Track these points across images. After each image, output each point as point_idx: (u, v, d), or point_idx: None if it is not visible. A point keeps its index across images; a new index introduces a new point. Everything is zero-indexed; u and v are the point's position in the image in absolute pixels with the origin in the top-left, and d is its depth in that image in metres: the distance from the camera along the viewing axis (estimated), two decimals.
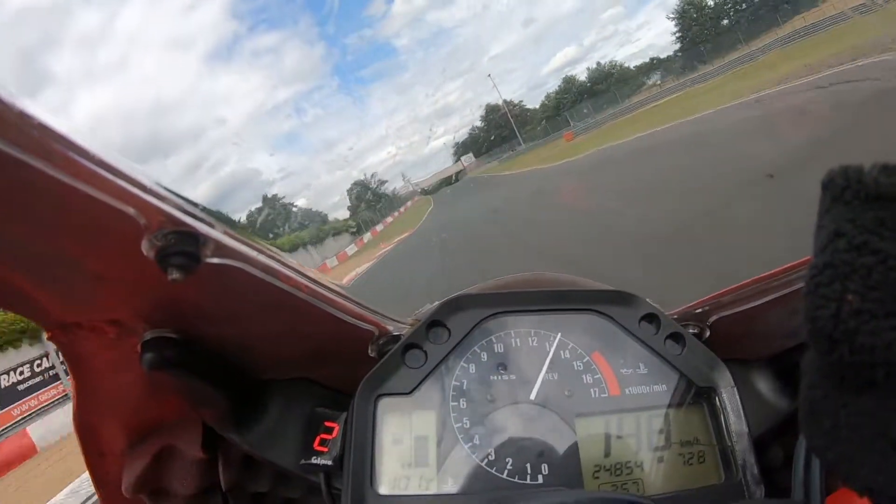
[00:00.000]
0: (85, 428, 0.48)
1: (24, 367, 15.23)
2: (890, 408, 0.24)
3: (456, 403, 0.52)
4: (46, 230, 0.34)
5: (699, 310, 0.61)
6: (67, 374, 0.45)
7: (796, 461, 0.54)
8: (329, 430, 0.52)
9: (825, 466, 0.51)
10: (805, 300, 0.26)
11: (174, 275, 0.35)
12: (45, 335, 0.43)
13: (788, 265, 0.52)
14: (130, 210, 0.33)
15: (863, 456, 0.27)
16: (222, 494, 0.58)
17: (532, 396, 0.54)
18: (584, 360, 0.57)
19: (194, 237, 0.36)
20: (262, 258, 0.41)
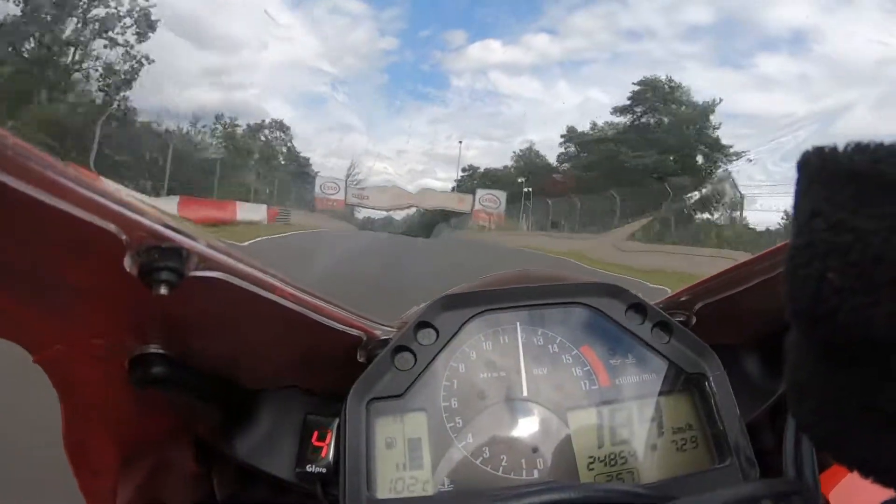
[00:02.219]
0: (76, 448, 0.48)
1: None
2: (874, 383, 0.25)
3: (447, 403, 0.52)
4: (26, 250, 0.33)
5: (684, 298, 0.61)
6: None
7: (786, 441, 0.55)
8: (322, 437, 0.52)
9: (815, 445, 0.52)
10: (785, 281, 0.26)
11: (159, 290, 0.35)
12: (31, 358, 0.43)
13: (771, 249, 0.53)
14: (111, 226, 0.33)
15: (850, 432, 0.28)
16: None
17: (523, 392, 0.54)
18: (573, 353, 0.57)
19: (177, 251, 0.36)
20: (246, 269, 0.41)
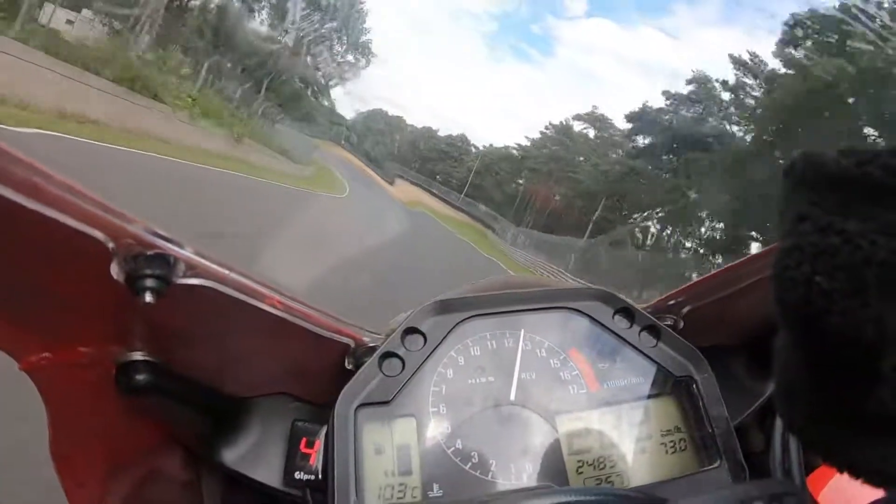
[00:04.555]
0: (62, 458, 0.47)
1: None
2: (863, 386, 0.25)
3: (436, 409, 0.52)
4: (11, 258, 0.33)
5: (672, 301, 0.62)
6: None
7: (775, 442, 0.56)
8: (311, 445, 0.51)
9: (804, 447, 0.52)
10: (774, 284, 0.26)
11: (145, 297, 0.35)
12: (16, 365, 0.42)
13: (758, 252, 0.54)
14: (98, 234, 0.33)
15: (840, 434, 0.28)
16: None
17: (511, 397, 0.54)
18: (561, 358, 0.57)
19: (164, 258, 0.36)
20: (234, 276, 0.41)
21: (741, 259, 0.55)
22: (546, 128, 57.48)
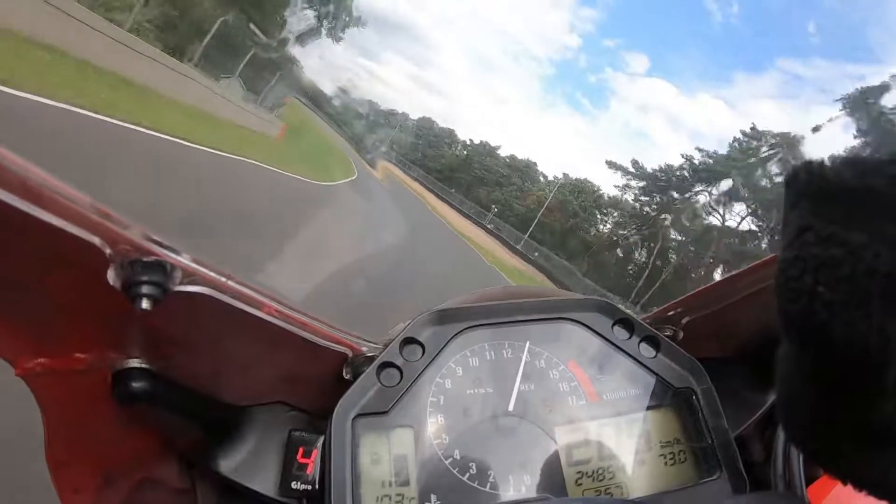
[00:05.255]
0: (58, 465, 0.47)
1: None
2: (866, 398, 0.25)
3: (434, 420, 0.52)
4: (7, 262, 0.33)
5: (671, 312, 0.62)
6: None
7: (775, 454, 0.55)
8: (307, 454, 0.51)
9: (807, 458, 0.52)
10: (776, 295, 0.26)
11: (143, 305, 0.34)
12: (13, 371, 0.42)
13: (757, 263, 0.53)
14: (95, 240, 0.32)
15: (843, 446, 0.28)
16: None
17: (510, 408, 0.54)
18: (560, 369, 0.57)
19: (162, 265, 0.36)
20: (232, 284, 0.40)
21: (740, 270, 0.55)
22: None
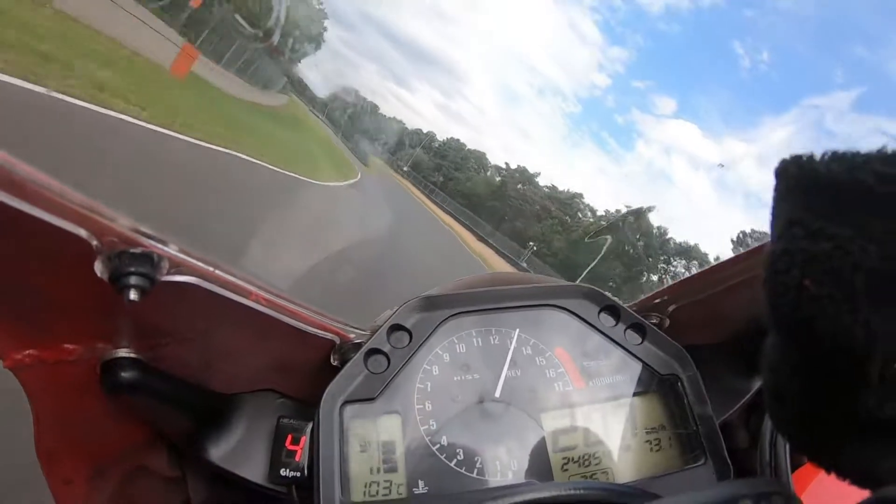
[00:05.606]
0: (48, 456, 0.47)
1: None
2: (852, 390, 0.25)
3: (421, 406, 0.52)
4: None
5: (658, 300, 0.62)
6: None
7: (762, 442, 0.56)
8: (296, 441, 0.51)
9: (793, 447, 0.53)
10: (764, 287, 0.27)
11: (131, 296, 0.34)
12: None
13: (744, 252, 0.54)
14: (82, 231, 0.32)
15: (829, 437, 0.28)
16: None
17: (497, 394, 0.55)
18: (547, 355, 0.58)
19: (149, 256, 0.36)
20: (220, 274, 0.40)
21: (727, 259, 0.56)
22: None
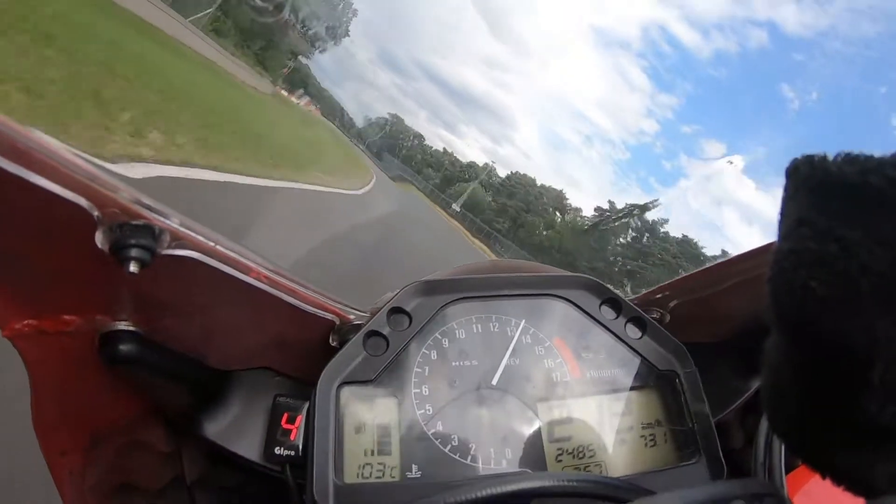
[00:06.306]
0: (45, 427, 0.48)
1: None
2: (852, 394, 0.25)
3: (418, 390, 0.52)
4: None
5: (659, 295, 0.62)
6: None
7: (757, 442, 0.56)
8: (292, 420, 0.52)
9: (789, 450, 0.53)
10: (769, 287, 0.26)
11: (130, 268, 0.34)
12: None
13: (749, 251, 0.54)
14: (83, 201, 0.32)
15: (826, 441, 0.28)
16: (187, 488, 0.58)
17: (494, 382, 0.54)
18: (546, 345, 0.58)
19: (150, 228, 0.36)
20: (220, 249, 0.40)
21: (731, 257, 0.55)
22: None
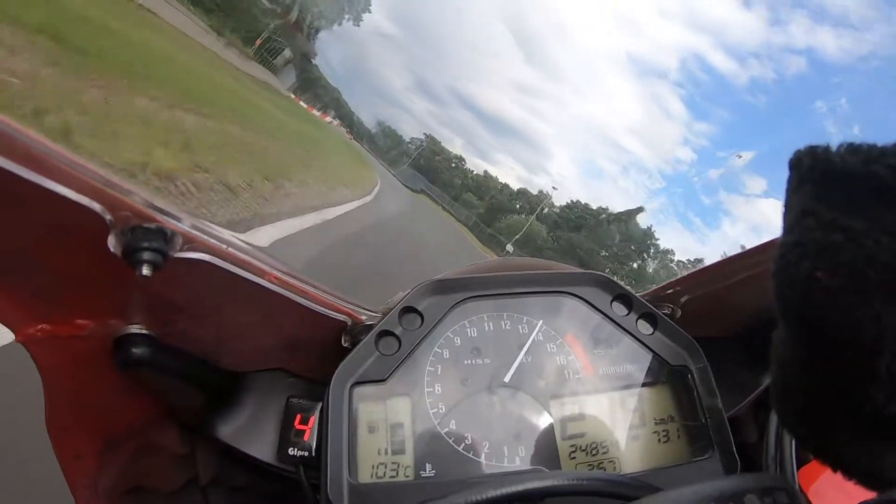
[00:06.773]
0: (59, 431, 0.48)
1: None
2: (860, 386, 0.25)
3: (431, 389, 0.52)
4: (9, 228, 0.33)
5: (670, 290, 0.62)
6: None
7: (768, 437, 0.56)
8: (305, 421, 0.52)
9: (798, 443, 0.52)
10: (774, 280, 0.26)
11: (143, 271, 0.34)
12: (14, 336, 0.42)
13: (759, 245, 0.53)
14: (96, 206, 0.32)
15: (835, 433, 0.28)
16: (201, 490, 0.58)
17: (507, 379, 0.54)
18: (558, 342, 0.57)
19: (162, 232, 0.36)
20: (232, 251, 0.40)
21: (740, 252, 0.55)
22: None
